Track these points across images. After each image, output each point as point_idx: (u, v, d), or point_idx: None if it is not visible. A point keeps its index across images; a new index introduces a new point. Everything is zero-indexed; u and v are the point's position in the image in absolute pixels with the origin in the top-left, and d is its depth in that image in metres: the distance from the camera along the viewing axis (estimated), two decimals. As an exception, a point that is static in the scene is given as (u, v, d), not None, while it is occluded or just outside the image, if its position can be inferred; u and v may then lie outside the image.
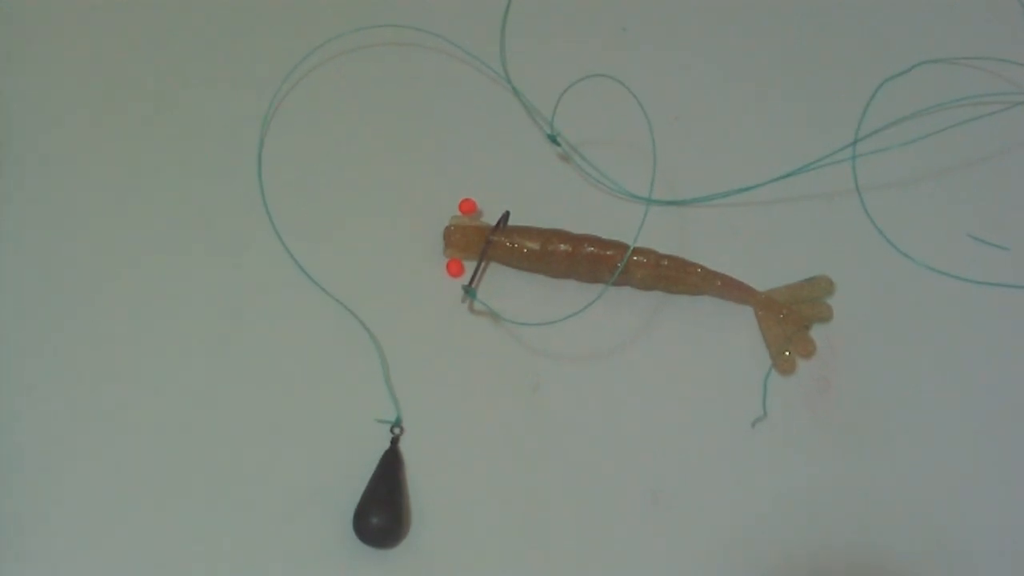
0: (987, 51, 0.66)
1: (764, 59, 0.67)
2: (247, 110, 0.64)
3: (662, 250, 0.61)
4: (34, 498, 0.56)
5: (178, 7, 0.67)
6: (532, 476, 0.57)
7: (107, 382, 0.58)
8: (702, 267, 0.61)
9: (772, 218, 0.63)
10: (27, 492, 0.56)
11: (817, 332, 0.61)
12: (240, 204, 0.62)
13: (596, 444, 0.58)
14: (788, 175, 0.62)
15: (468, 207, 0.62)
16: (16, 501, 0.56)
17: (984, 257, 0.63)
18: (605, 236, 0.61)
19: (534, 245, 0.60)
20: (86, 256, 0.61)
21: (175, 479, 0.57)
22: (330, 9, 0.67)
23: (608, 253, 0.60)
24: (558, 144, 0.63)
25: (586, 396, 0.59)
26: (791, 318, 0.60)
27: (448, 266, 0.61)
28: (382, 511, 0.55)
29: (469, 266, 0.61)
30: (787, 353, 0.59)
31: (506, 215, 0.61)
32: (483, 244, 0.60)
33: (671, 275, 0.60)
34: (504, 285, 0.61)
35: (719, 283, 0.60)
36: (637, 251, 0.60)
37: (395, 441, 0.58)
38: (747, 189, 0.62)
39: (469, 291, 0.59)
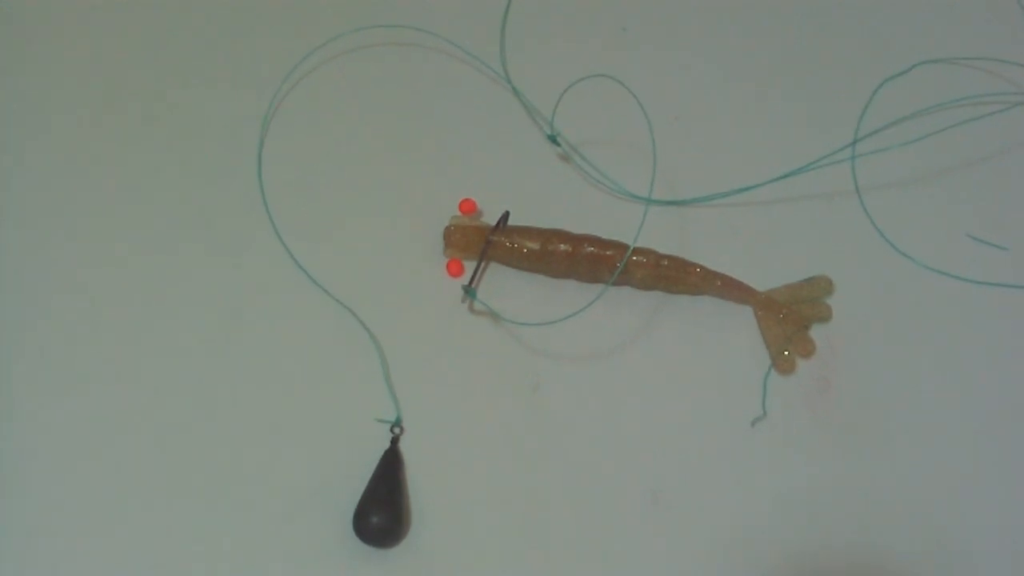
0: (986, 51, 0.66)
1: (764, 59, 0.67)
2: (247, 110, 0.64)
3: (662, 250, 0.61)
4: (34, 498, 0.56)
5: (178, 7, 0.67)
6: (532, 476, 0.58)
7: (107, 382, 0.58)
8: (702, 267, 0.61)
9: (772, 218, 0.63)
10: (27, 492, 0.56)
11: (817, 332, 0.61)
12: (240, 204, 0.62)
13: (596, 444, 0.58)
14: (788, 175, 0.62)
15: (468, 207, 0.62)
16: (16, 501, 0.56)
17: (983, 257, 0.63)
18: (605, 236, 0.61)
19: (534, 245, 0.60)
20: (86, 256, 0.61)
21: (175, 479, 0.57)
22: (330, 9, 0.67)
23: (608, 253, 0.60)
24: (558, 144, 0.63)
25: (586, 396, 0.59)
26: (791, 318, 0.60)
27: (448, 266, 0.61)
28: (382, 511, 0.55)
29: (469, 266, 0.61)
30: (787, 353, 0.59)
31: (506, 215, 0.61)
32: (483, 244, 0.60)
33: (671, 275, 0.60)
34: (504, 285, 0.61)
35: (719, 283, 0.61)
36: (637, 251, 0.60)
37: (395, 441, 0.58)
38: (747, 189, 0.62)
39: (469, 291, 0.59)
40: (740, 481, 0.58)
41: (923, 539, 0.57)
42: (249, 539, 0.56)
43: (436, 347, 0.60)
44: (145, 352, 0.59)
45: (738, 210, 0.63)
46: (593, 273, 0.61)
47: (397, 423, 0.58)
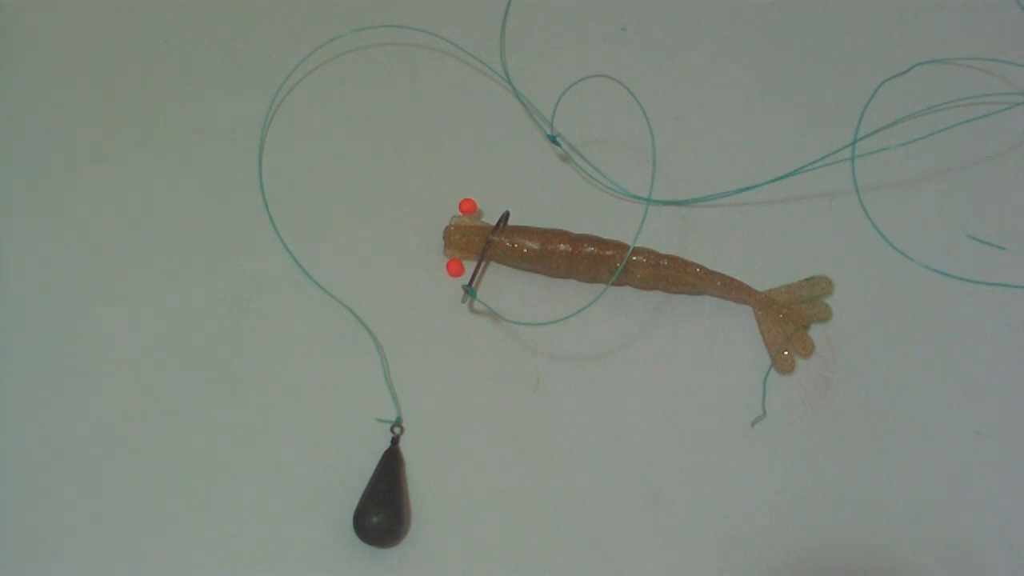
0: (986, 52, 0.67)
1: (764, 59, 0.67)
2: (248, 110, 0.64)
3: (662, 250, 0.61)
4: (35, 499, 0.56)
5: (179, 8, 0.67)
6: (532, 476, 0.58)
7: (107, 382, 0.58)
8: (701, 267, 0.61)
9: (772, 218, 0.63)
10: (28, 493, 0.56)
11: (816, 332, 0.61)
12: (241, 204, 0.62)
13: (596, 444, 0.58)
14: (787, 175, 0.62)
15: (468, 207, 0.62)
16: (17, 502, 0.56)
17: (982, 257, 0.63)
18: (605, 236, 0.61)
19: (534, 245, 0.60)
20: (87, 257, 0.61)
21: (175, 479, 0.57)
22: (331, 10, 0.67)
23: (608, 253, 0.60)
24: (558, 144, 0.63)
25: (586, 396, 0.59)
26: (790, 318, 0.60)
27: (448, 266, 0.61)
28: (382, 510, 0.55)
29: (469, 266, 0.61)
30: (786, 353, 0.60)
31: (506, 215, 0.61)
32: (483, 244, 0.61)
33: (671, 275, 0.60)
34: (504, 285, 0.61)
35: (719, 283, 0.61)
36: (637, 251, 0.60)
37: (395, 440, 0.58)
38: (747, 189, 0.62)
39: (469, 291, 0.59)
40: (740, 481, 0.58)
41: (923, 539, 0.57)
42: (250, 539, 0.56)
43: (436, 347, 0.60)
44: (145, 352, 0.59)
45: (738, 210, 0.63)
46: (593, 273, 0.61)
47: (397, 423, 0.58)
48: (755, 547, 0.57)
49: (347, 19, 0.66)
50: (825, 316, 0.61)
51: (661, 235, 0.62)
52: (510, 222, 0.61)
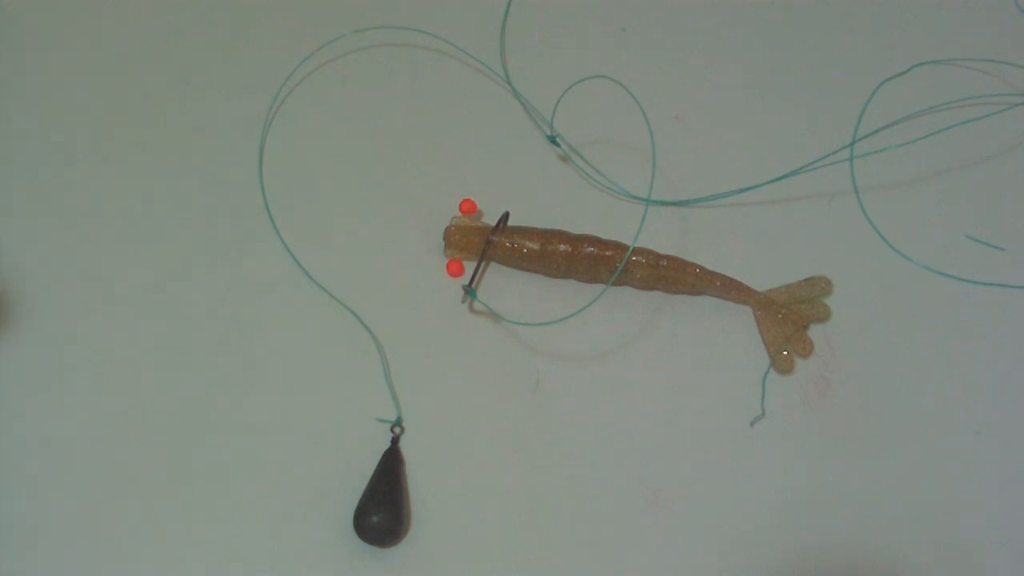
0: (984, 53, 0.67)
1: (764, 59, 0.67)
2: (249, 111, 0.64)
3: (662, 250, 0.61)
4: (35, 499, 0.56)
5: (180, 10, 0.67)
6: (532, 476, 0.58)
7: (107, 382, 0.58)
8: (701, 267, 0.61)
9: (771, 218, 0.63)
10: (28, 493, 0.56)
11: (815, 332, 0.61)
12: (242, 205, 0.62)
13: (596, 444, 0.58)
14: (787, 175, 0.62)
15: (468, 207, 0.62)
16: (17, 502, 0.56)
17: (981, 257, 0.63)
18: (605, 236, 0.61)
19: (534, 245, 0.60)
20: (87, 257, 0.61)
21: (175, 478, 0.56)
22: (331, 11, 0.67)
23: (608, 253, 0.60)
24: (558, 145, 0.63)
25: (586, 396, 0.59)
26: (789, 318, 0.60)
27: (448, 266, 0.62)
28: (382, 510, 0.55)
29: (469, 266, 0.61)
30: (785, 353, 0.60)
31: (506, 215, 0.61)
32: (483, 244, 0.61)
33: (670, 275, 0.60)
34: (504, 285, 0.61)
35: (718, 283, 0.61)
36: (636, 251, 0.60)
37: (395, 440, 0.58)
38: (746, 189, 0.62)
39: (469, 291, 0.59)
40: (739, 481, 0.58)
41: (923, 539, 0.57)
42: (249, 538, 0.56)
43: (436, 347, 0.60)
44: (145, 352, 0.59)
45: (737, 210, 0.63)
46: (593, 273, 0.61)
47: (397, 423, 0.58)
48: (755, 547, 0.57)
49: (348, 20, 0.66)
50: (824, 316, 0.61)
51: (661, 235, 0.62)
52: (510, 222, 0.61)
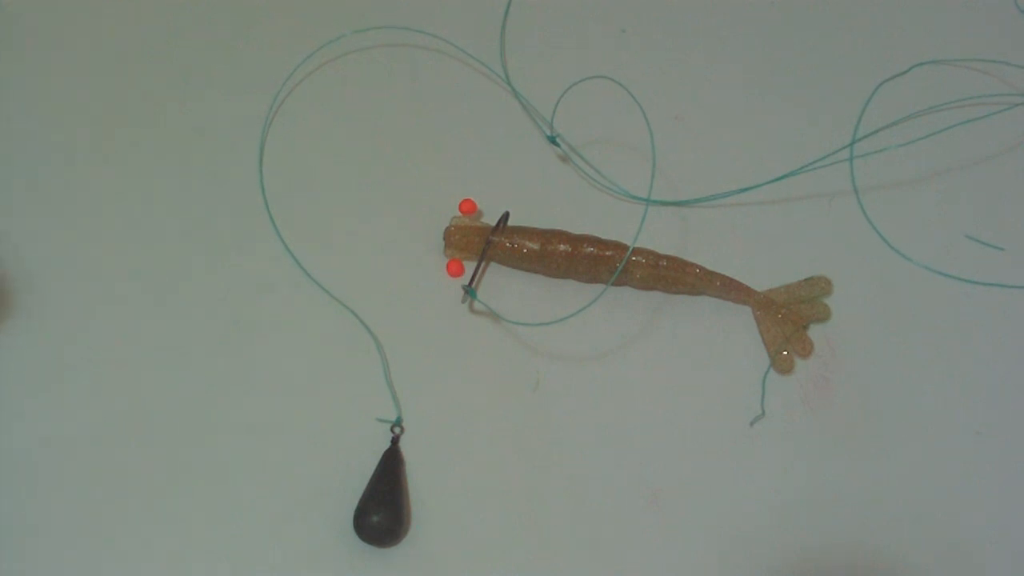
0: (984, 53, 0.67)
1: (763, 60, 0.67)
2: (249, 111, 0.64)
3: (662, 250, 0.61)
4: (35, 499, 0.56)
5: (180, 10, 0.67)
6: (532, 476, 0.58)
7: (107, 382, 0.58)
8: (701, 267, 0.61)
9: (771, 218, 0.63)
10: (28, 493, 0.56)
11: (815, 332, 0.61)
12: (242, 205, 0.62)
13: (596, 444, 0.58)
14: (787, 175, 0.62)
15: (468, 207, 0.62)
16: (17, 502, 0.56)
17: (981, 257, 0.63)
18: (605, 236, 0.61)
19: (534, 245, 0.60)
20: (87, 257, 0.61)
21: (175, 478, 0.56)
22: (331, 11, 0.67)
23: (607, 253, 0.60)
24: (558, 145, 0.63)
25: (586, 396, 0.59)
26: (789, 318, 0.60)
27: (448, 266, 0.62)
28: (382, 510, 0.55)
29: (469, 266, 0.61)
30: (785, 353, 0.60)
31: (506, 215, 0.61)
32: (483, 244, 0.61)
33: (670, 275, 0.60)
34: (504, 285, 0.61)
35: (718, 283, 0.61)
36: (636, 251, 0.60)
37: (395, 440, 0.58)
38: (746, 189, 0.62)
39: (469, 291, 0.59)
40: (739, 480, 0.58)
41: (923, 539, 0.57)
42: (249, 538, 0.56)
43: (436, 347, 0.60)
44: (145, 352, 0.59)
45: (737, 210, 0.63)
46: (593, 273, 0.61)
47: (397, 423, 0.58)
48: (755, 547, 0.57)
49: (348, 20, 0.66)
50: (824, 316, 0.61)
51: (661, 235, 0.62)
52: (510, 222, 0.61)
